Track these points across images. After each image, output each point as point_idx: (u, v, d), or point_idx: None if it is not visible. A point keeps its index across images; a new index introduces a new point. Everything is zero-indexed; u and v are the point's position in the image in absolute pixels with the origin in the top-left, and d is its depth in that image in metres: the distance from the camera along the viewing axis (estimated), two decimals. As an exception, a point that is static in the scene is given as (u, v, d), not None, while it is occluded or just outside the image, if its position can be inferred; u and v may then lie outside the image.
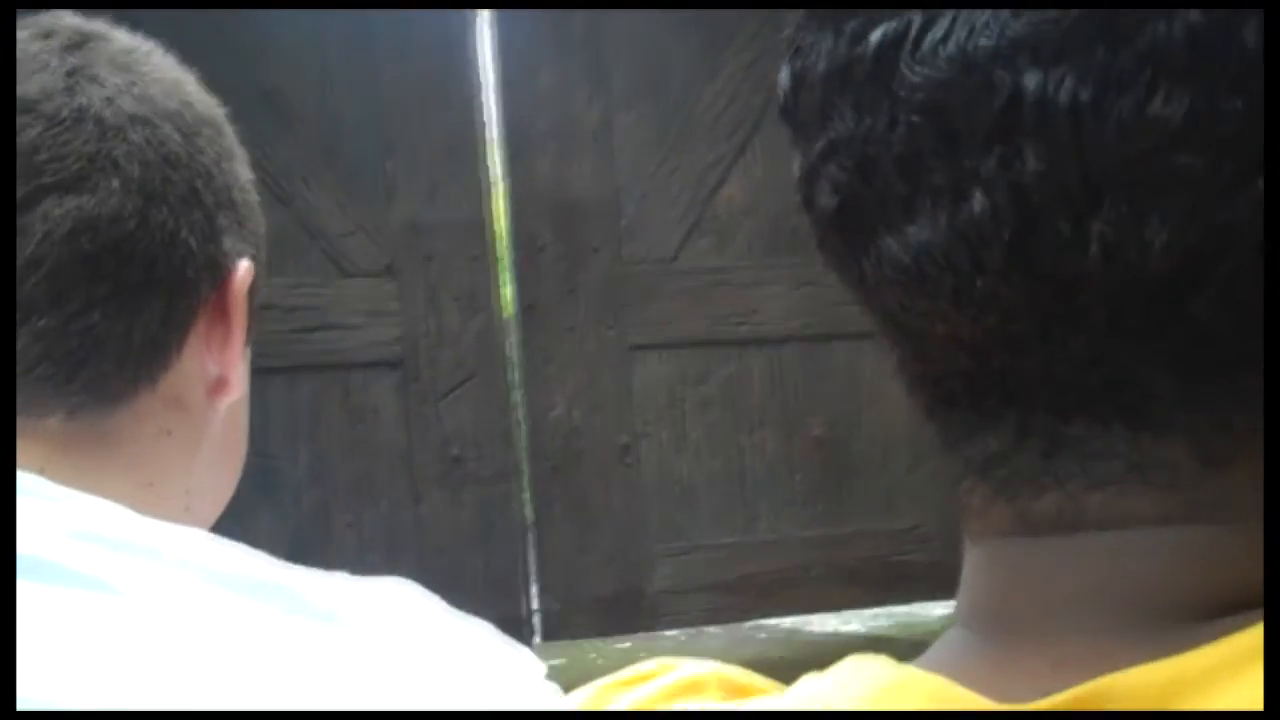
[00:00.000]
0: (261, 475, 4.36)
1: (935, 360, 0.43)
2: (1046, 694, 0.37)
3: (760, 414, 5.07)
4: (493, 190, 5.01)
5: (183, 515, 0.71)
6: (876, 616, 5.57)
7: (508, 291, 4.93)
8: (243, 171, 0.77)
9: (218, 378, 0.74)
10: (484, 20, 4.87)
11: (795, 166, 0.44)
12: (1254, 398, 0.38)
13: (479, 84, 4.91)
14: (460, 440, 4.74)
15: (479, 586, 4.71)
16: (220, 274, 0.73)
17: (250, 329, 0.77)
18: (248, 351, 0.79)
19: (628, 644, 5.10)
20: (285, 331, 4.43)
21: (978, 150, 0.38)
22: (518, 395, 4.95)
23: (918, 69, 0.38)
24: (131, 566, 0.59)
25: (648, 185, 4.98)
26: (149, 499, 0.68)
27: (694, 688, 0.47)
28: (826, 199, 0.43)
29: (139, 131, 0.69)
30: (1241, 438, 0.39)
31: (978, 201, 0.38)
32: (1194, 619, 0.38)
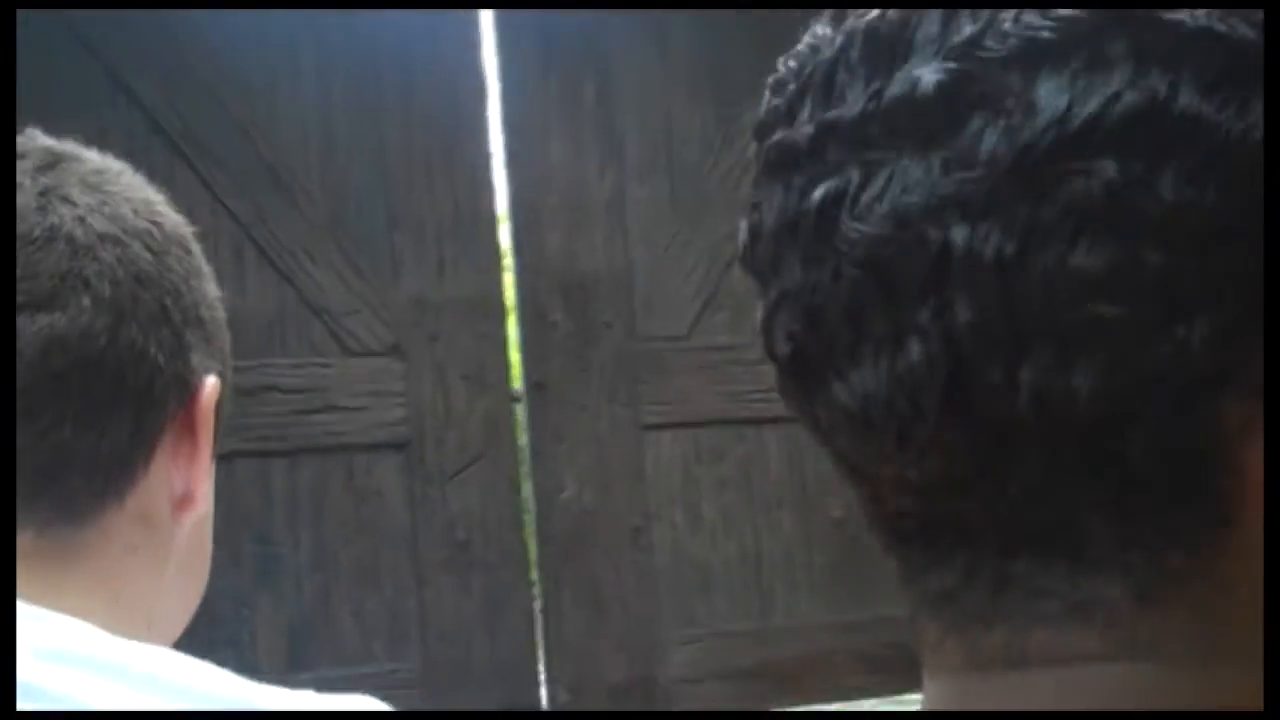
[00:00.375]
0: (262, 562, 4.26)
1: (887, 501, 0.45)
2: None
3: (778, 494, 4.95)
4: (502, 264, 4.93)
5: (145, 632, 0.72)
6: (900, 704, 5.41)
7: (517, 369, 4.84)
8: (210, 289, 0.80)
9: (184, 493, 0.76)
10: (494, 90, 4.81)
11: (756, 315, 0.48)
12: (1188, 538, 0.39)
13: (488, 155, 4.84)
14: (467, 523, 4.62)
15: (487, 675, 4.59)
16: (188, 390, 0.75)
17: (215, 444, 0.80)
18: (213, 467, 0.81)
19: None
20: (287, 413, 4.33)
21: (913, 302, 0.40)
22: (526, 476, 4.85)
23: (856, 225, 0.41)
24: (98, 685, 0.61)
25: (661, 259, 4.90)
26: (113, 616, 0.70)
27: None
28: (781, 346, 0.46)
29: (109, 250, 0.71)
30: (1176, 577, 0.40)
31: (915, 350, 0.40)
32: None
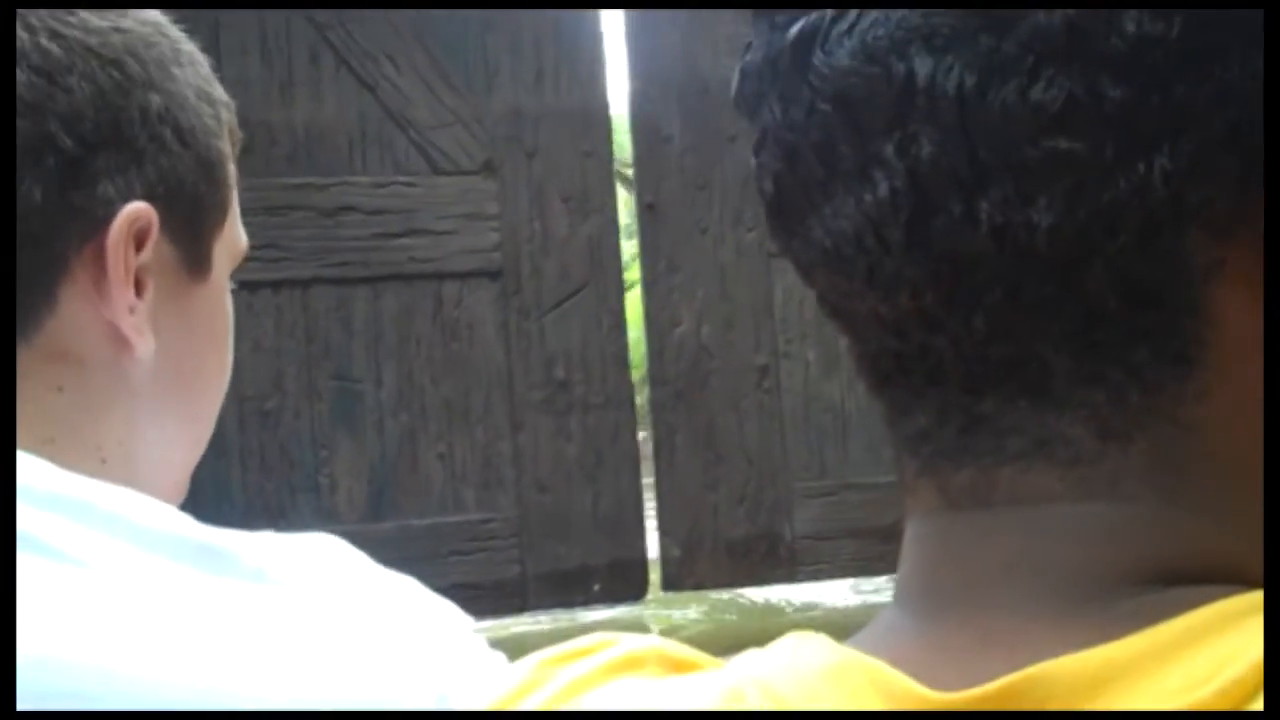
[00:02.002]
0: (341, 400, 4.08)
1: (868, 340, 0.46)
2: (975, 679, 0.39)
3: (921, 333, 4.59)
4: (605, 73, 4.59)
5: (100, 470, 0.70)
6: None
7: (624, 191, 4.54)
8: (157, 99, 0.73)
9: (115, 330, 0.72)
10: None
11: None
12: (1149, 375, 0.41)
13: (594, -54, 4.49)
14: (567, 361, 4.38)
15: (587, 528, 4.39)
16: (94, 222, 0.71)
17: (200, 271, 0.76)
18: (204, 293, 0.77)
19: (761, 598, 4.74)
20: (367, 237, 4.10)
21: (879, 136, 0.42)
22: (636, 310, 4.58)
23: (827, 60, 0.43)
24: (58, 524, 0.61)
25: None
26: (53, 455, 0.68)
27: (632, 664, 0.49)
28: (765, 185, 0.47)
29: None
30: (1137, 416, 0.41)
31: (880, 185, 0.42)
32: (1106, 596, 0.40)
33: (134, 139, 0.72)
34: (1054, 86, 0.39)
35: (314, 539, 0.71)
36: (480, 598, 4.09)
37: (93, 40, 0.72)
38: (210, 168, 0.76)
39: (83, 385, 0.72)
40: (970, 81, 0.40)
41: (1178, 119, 0.39)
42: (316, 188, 4.09)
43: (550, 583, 4.32)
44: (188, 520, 0.66)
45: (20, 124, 0.68)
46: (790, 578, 4.57)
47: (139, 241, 0.72)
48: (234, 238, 0.80)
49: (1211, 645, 0.37)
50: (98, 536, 0.63)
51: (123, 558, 0.63)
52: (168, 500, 0.71)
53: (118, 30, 0.73)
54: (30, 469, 0.65)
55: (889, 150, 0.42)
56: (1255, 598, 0.38)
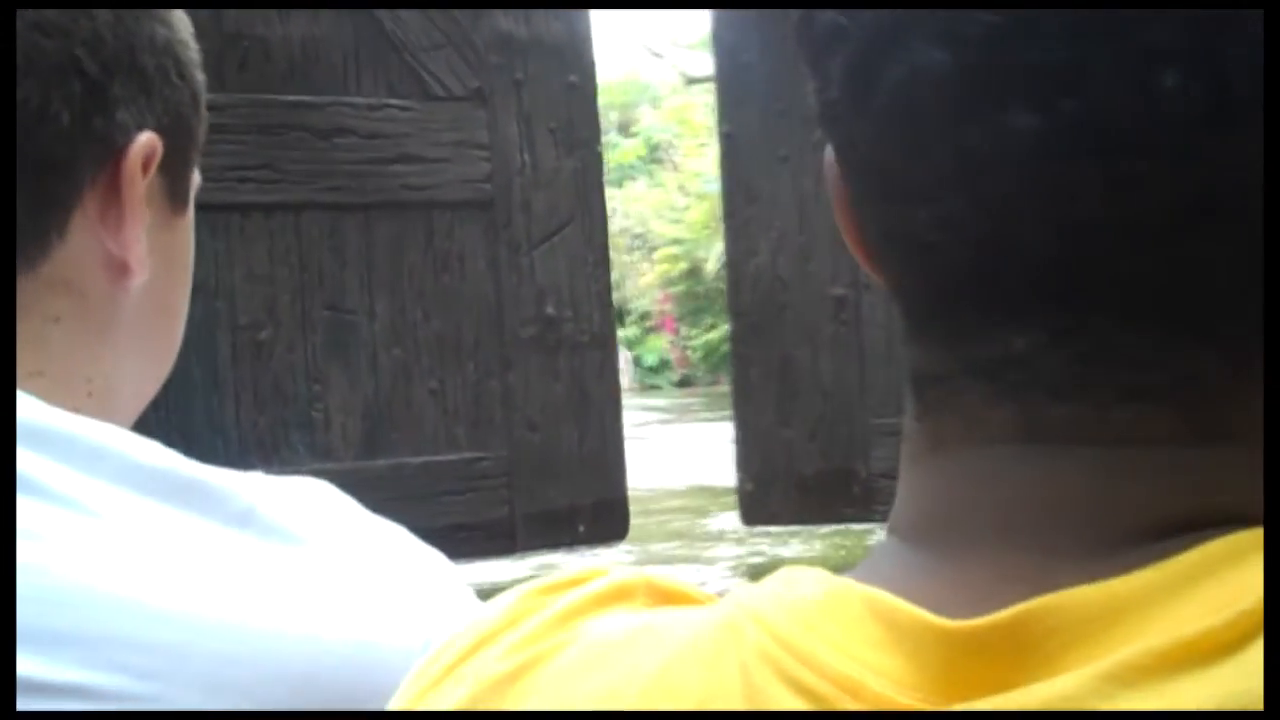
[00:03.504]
0: (333, 331, 3.99)
1: (947, 242, 0.42)
2: (986, 611, 0.38)
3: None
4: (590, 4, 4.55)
5: (85, 403, 0.71)
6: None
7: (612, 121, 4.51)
8: (162, 30, 0.74)
9: (119, 261, 0.73)
10: None
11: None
12: (1259, 317, 0.39)
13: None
14: (556, 298, 4.35)
15: (574, 468, 4.38)
16: (110, 150, 0.72)
17: (181, 204, 0.77)
18: (181, 225, 0.78)
19: (834, 533, 4.72)
20: (361, 161, 4.01)
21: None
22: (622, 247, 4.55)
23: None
24: (40, 461, 0.61)
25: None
26: (40, 388, 0.68)
27: (621, 594, 0.48)
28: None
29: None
30: (1253, 359, 0.40)
31: None
32: (1148, 539, 0.39)
33: (144, 68, 0.73)
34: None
35: (303, 482, 0.71)
36: (471, 539, 4.06)
37: None
38: (198, 102, 0.78)
39: (81, 316, 0.72)
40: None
41: None
42: (310, 107, 3.99)
43: (539, 523, 4.29)
44: (177, 457, 0.66)
45: (47, 44, 0.68)
46: (864, 516, 4.61)
47: (144, 171, 0.74)
48: (198, 174, 0.82)
49: (1223, 578, 0.36)
50: (84, 476, 0.63)
51: (111, 497, 0.63)
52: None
53: None
54: (19, 404, 0.64)
55: None
56: (1259, 533, 0.37)
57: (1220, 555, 0.37)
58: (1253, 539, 0.37)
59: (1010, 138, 0.39)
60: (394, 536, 0.71)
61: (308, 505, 0.69)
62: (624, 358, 31.11)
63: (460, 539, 3.99)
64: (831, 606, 0.41)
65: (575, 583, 0.50)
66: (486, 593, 0.57)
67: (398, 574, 0.68)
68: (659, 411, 16.08)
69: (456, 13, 4.19)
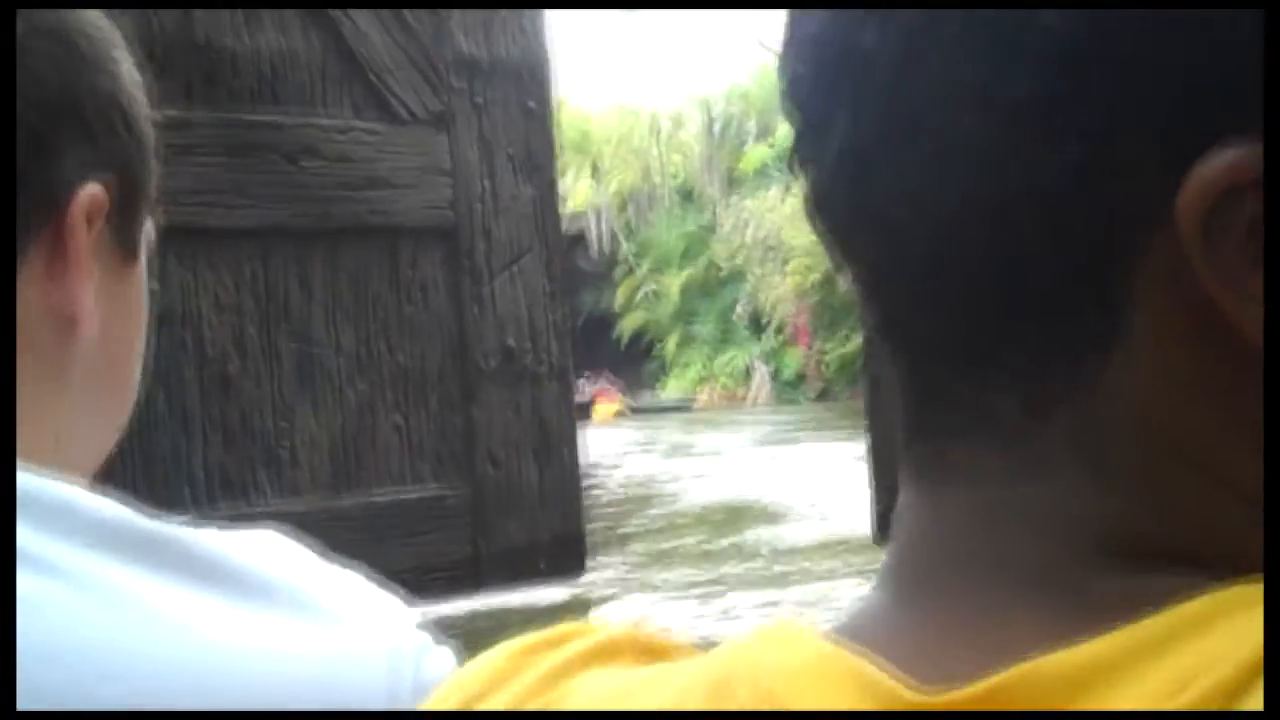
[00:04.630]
0: (300, 365, 3.84)
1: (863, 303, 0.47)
2: (952, 673, 0.39)
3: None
4: (544, 25, 4.50)
5: (50, 457, 0.70)
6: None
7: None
8: (105, 81, 0.75)
9: (66, 313, 0.73)
10: None
11: None
12: (1072, 347, 0.42)
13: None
14: (516, 329, 4.28)
15: (534, 504, 4.30)
16: (53, 201, 0.72)
17: (132, 255, 0.78)
18: (133, 275, 0.79)
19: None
20: (329, 186, 3.88)
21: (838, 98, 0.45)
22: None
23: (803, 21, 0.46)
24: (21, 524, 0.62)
25: None
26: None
27: (608, 652, 0.49)
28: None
29: None
30: (1062, 389, 0.42)
31: (831, 146, 0.45)
32: (1069, 582, 0.41)
33: (87, 119, 0.74)
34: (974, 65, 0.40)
35: (261, 534, 0.72)
36: (436, 580, 3.96)
37: (49, 20, 0.74)
38: (145, 152, 0.79)
39: (33, 369, 0.73)
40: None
41: (1091, 112, 0.40)
42: (281, 127, 3.86)
43: (502, 561, 4.21)
44: (135, 512, 0.67)
45: None
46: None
47: (90, 223, 0.74)
48: (151, 223, 0.82)
49: (1196, 644, 0.37)
50: (45, 536, 0.63)
51: (74, 556, 0.63)
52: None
53: (71, 13, 0.76)
54: None
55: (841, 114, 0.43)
56: (1244, 592, 0.38)
57: (1191, 618, 0.38)
58: (1223, 601, 0.38)
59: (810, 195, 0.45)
60: (353, 585, 0.72)
61: (268, 557, 0.69)
62: (761, 371, 30.13)
63: (426, 580, 3.89)
64: (821, 673, 0.42)
65: (560, 640, 0.50)
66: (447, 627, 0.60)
67: (361, 624, 0.68)
68: (788, 427, 15.84)
69: (419, 31, 4.11)
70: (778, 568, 7.33)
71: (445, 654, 0.69)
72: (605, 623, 0.51)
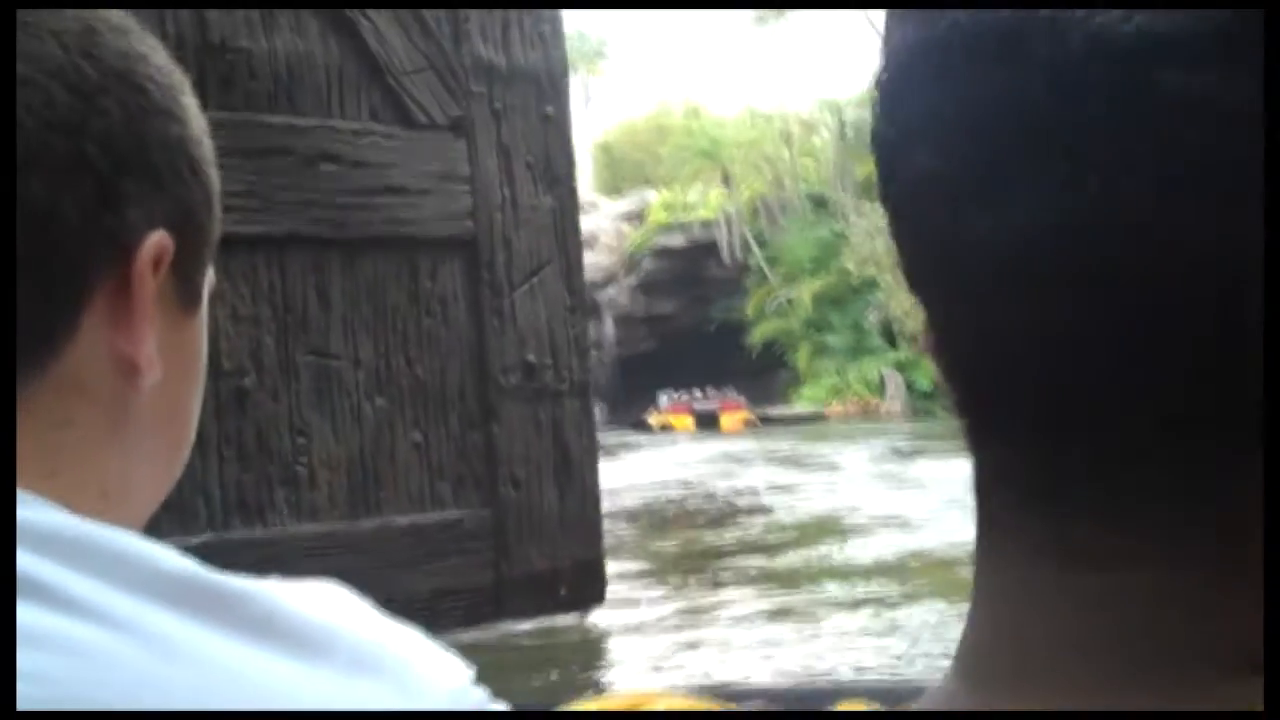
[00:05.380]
0: (317, 378, 3.68)
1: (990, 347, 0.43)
2: None
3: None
4: (562, 31, 4.40)
5: (98, 505, 0.69)
6: None
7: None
8: (175, 128, 0.73)
9: (129, 361, 0.71)
10: None
11: None
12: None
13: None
14: (537, 343, 4.15)
15: (554, 528, 4.16)
16: (120, 249, 0.70)
17: (193, 304, 0.74)
18: (192, 324, 0.75)
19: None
20: (346, 191, 3.75)
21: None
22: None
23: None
24: (65, 573, 0.61)
25: None
26: (54, 490, 0.66)
27: None
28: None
29: (20, 94, 0.69)
30: (1216, 482, 0.39)
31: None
32: (1204, 682, 0.39)
33: (156, 166, 0.73)
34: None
35: (320, 588, 0.70)
36: (456, 607, 3.82)
37: (121, 64, 0.73)
38: (211, 200, 0.78)
39: (92, 417, 0.72)
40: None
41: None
42: (297, 131, 3.73)
43: (523, 588, 4.07)
44: (194, 563, 0.65)
45: (59, 142, 0.68)
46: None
47: (155, 270, 0.73)
48: (212, 272, 0.81)
49: None
50: (102, 584, 0.63)
51: (131, 607, 0.63)
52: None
53: (140, 57, 0.74)
54: (33, 507, 0.64)
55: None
56: None
57: None
58: None
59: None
60: (412, 641, 0.70)
61: (329, 612, 0.68)
62: (895, 382, 30.43)
63: (444, 608, 3.74)
64: None
65: (626, 711, 0.50)
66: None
67: (419, 681, 0.67)
68: (915, 439, 15.88)
69: (438, 34, 3.99)
70: (858, 590, 7.29)
71: (501, 711, 0.70)
72: (668, 696, 0.51)
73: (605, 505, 4.63)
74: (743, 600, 6.87)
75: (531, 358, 4.13)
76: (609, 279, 38.14)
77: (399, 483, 3.86)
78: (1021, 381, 0.41)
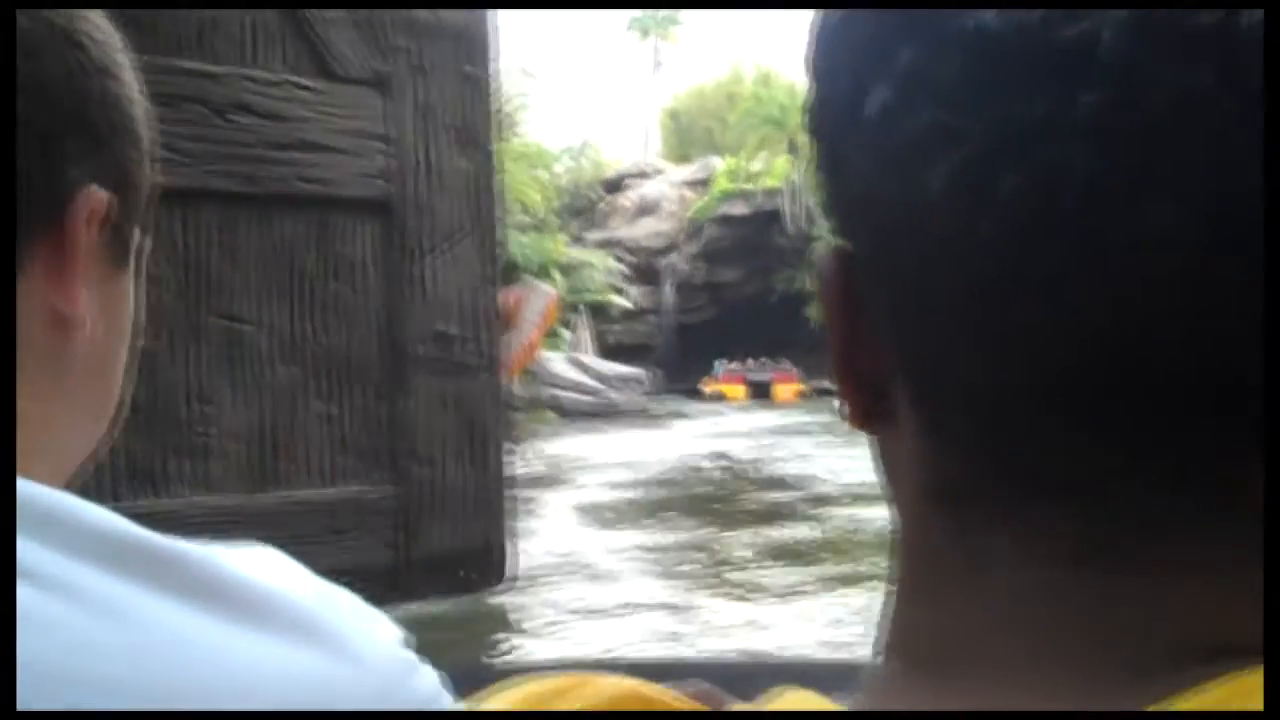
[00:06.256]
0: (224, 344, 3.51)
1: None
2: None
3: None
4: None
5: (34, 461, 0.69)
6: None
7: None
8: (112, 86, 0.76)
9: (65, 316, 0.73)
10: None
11: None
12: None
13: None
14: (449, 314, 4.01)
15: (459, 506, 4.04)
16: (57, 204, 0.73)
17: (125, 261, 0.77)
18: (123, 282, 0.78)
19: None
20: (259, 144, 3.58)
21: None
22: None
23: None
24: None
25: None
26: None
27: (614, 707, 0.50)
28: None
29: None
30: (1233, 483, 0.41)
31: None
32: (1184, 663, 0.40)
33: (94, 123, 0.75)
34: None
35: (255, 550, 0.72)
36: (356, 588, 3.67)
37: (62, 21, 0.74)
38: (145, 159, 0.79)
39: (28, 371, 0.73)
40: None
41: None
42: (211, 77, 3.54)
43: (426, 569, 3.94)
44: (130, 524, 0.66)
45: None
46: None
47: (90, 227, 0.75)
48: (141, 231, 0.84)
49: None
50: (38, 545, 0.63)
51: (68, 569, 0.63)
52: None
53: (79, 14, 0.76)
54: None
55: None
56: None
57: (1244, 691, 0.38)
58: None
59: (1152, 232, 0.38)
60: (346, 603, 0.70)
61: (265, 574, 0.68)
62: None
63: (344, 587, 3.60)
64: None
65: (567, 690, 0.50)
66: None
67: (353, 644, 0.67)
68: None
69: (357, -12, 3.81)
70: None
71: (430, 673, 0.70)
72: (609, 678, 0.51)
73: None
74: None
75: (444, 328, 3.99)
76: (670, 245, 38.12)
77: (304, 456, 3.71)
78: (959, 377, 0.42)
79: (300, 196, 3.71)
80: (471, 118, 4.11)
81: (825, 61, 0.44)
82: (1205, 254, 0.38)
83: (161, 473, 3.49)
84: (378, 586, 3.90)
